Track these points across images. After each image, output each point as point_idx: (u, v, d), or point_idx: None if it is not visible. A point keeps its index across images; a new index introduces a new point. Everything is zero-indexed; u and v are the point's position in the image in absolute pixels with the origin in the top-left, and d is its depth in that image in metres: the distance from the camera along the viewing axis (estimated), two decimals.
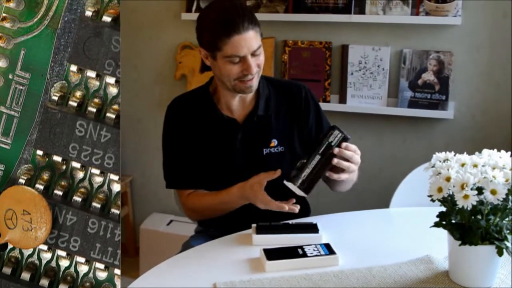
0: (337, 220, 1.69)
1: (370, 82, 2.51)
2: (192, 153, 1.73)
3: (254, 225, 1.54)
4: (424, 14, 2.37)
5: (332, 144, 1.49)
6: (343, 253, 1.41)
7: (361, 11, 2.46)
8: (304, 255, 1.39)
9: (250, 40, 1.56)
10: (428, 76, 2.42)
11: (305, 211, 1.89)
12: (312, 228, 1.52)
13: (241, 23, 1.54)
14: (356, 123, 2.61)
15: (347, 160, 1.50)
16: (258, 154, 1.72)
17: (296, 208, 1.53)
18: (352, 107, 2.55)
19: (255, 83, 1.64)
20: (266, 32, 2.61)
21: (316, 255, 1.39)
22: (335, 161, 1.49)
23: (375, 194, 2.55)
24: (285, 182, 1.50)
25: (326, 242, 1.45)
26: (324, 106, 2.52)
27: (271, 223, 1.54)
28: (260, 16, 2.53)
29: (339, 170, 1.51)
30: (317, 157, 1.49)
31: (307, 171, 1.48)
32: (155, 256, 1.71)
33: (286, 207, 1.52)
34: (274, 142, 1.72)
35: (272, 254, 1.39)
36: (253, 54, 1.59)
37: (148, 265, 1.47)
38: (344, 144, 1.50)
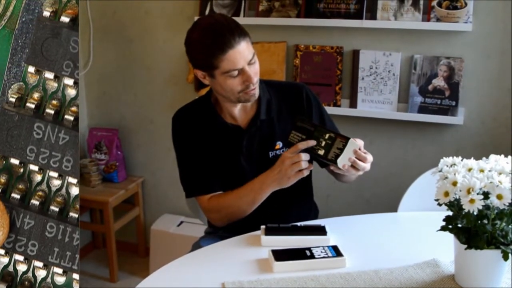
0: (345, 223, 1.70)
1: (381, 87, 2.52)
2: (203, 160, 1.75)
3: (263, 227, 1.55)
4: (435, 20, 2.38)
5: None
6: (351, 255, 1.42)
7: (373, 16, 2.47)
8: (312, 256, 1.40)
9: (244, 51, 1.58)
10: (438, 82, 2.43)
11: (314, 213, 1.91)
12: (320, 230, 1.54)
13: (232, 37, 1.56)
14: (366, 127, 2.62)
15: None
16: (264, 157, 1.74)
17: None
18: (363, 112, 2.56)
19: (257, 90, 1.67)
20: (278, 36, 2.65)
21: (324, 257, 1.40)
22: (352, 159, 1.52)
23: (383, 198, 2.56)
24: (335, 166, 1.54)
25: (334, 244, 1.47)
26: (334, 110, 2.56)
27: (280, 224, 1.56)
28: (272, 21, 2.60)
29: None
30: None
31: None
32: (165, 257, 1.73)
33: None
34: (279, 145, 1.74)
35: (280, 255, 1.41)
36: (249, 63, 1.61)
37: (158, 265, 1.48)
38: (360, 143, 1.54)
